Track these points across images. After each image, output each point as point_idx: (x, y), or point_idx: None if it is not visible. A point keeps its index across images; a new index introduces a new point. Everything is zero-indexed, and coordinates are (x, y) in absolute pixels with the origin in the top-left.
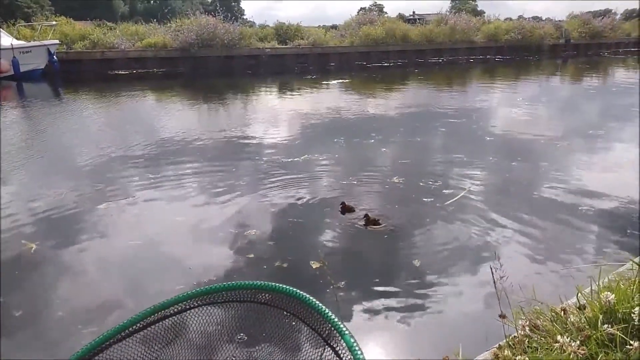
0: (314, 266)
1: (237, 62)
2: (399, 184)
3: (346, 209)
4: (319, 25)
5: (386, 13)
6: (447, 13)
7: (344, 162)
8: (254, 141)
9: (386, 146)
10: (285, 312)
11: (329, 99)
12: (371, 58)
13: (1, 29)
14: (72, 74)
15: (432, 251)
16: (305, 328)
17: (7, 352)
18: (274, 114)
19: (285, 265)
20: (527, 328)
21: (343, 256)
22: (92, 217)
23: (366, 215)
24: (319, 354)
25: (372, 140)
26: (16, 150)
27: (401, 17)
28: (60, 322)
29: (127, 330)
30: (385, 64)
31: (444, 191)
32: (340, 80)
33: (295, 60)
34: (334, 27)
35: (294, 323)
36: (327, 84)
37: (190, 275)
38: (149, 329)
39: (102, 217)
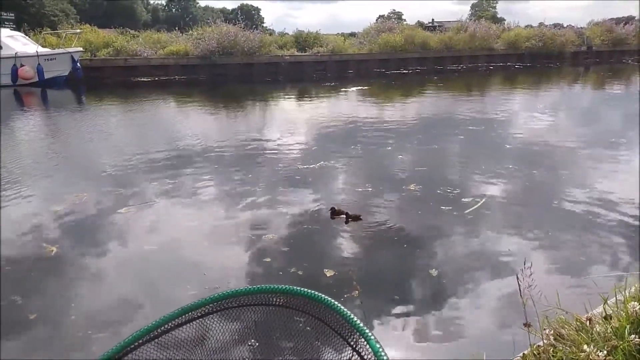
0: (327, 274)
1: (257, 69)
2: (416, 192)
3: (336, 213)
4: (338, 33)
5: (405, 20)
6: (467, 20)
7: (360, 169)
8: (271, 148)
9: (403, 153)
10: (309, 317)
11: (347, 106)
12: (390, 65)
13: (27, 37)
14: (95, 80)
15: (451, 260)
16: (330, 332)
17: (19, 354)
18: (291, 121)
19: (300, 272)
20: (552, 337)
21: (358, 264)
22: (112, 221)
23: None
24: (344, 359)
25: (389, 148)
26: (39, 155)
27: (420, 24)
28: (73, 326)
29: (153, 333)
30: (404, 71)
31: (463, 200)
32: (359, 87)
33: (314, 67)
34: (352, 34)
35: (318, 327)
36: (345, 91)
37: (205, 280)
38: (174, 331)
39: (122, 221)
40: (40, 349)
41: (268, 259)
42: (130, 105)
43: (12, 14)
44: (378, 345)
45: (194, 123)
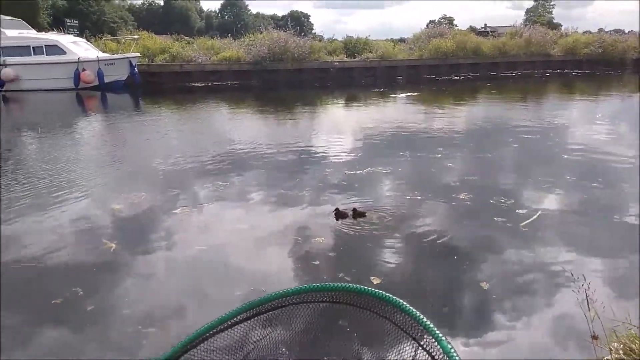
0: (374, 281)
1: (306, 75)
2: (466, 201)
3: (341, 215)
4: (387, 39)
5: (456, 25)
6: (522, 25)
7: (409, 176)
8: (319, 153)
9: (454, 161)
10: (375, 315)
11: (396, 112)
12: (441, 71)
13: (88, 43)
14: (152, 85)
15: (505, 273)
16: (396, 331)
17: (76, 345)
18: (339, 126)
19: (348, 278)
20: (621, 351)
21: (405, 272)
22: (168, 220)
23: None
24: (410, 356)
25: (439, 155)
26: (98, 156)
27: (472, 29)
28: (126, 319)
29: (222, 326)
30: (455, 77)
31: (518, 211)
32: (408, 94)
33: (363, 73)
34: (402, 40)
35: (384, 326)
36: (394, 97)
37: (254, 280)
38: (241, 325)
39: (177, 221)
40: (93, 340)
41: (317, 262)
42: (185, 110)
43: (76, 22)
44: (449, 346)
45: (245, 128)
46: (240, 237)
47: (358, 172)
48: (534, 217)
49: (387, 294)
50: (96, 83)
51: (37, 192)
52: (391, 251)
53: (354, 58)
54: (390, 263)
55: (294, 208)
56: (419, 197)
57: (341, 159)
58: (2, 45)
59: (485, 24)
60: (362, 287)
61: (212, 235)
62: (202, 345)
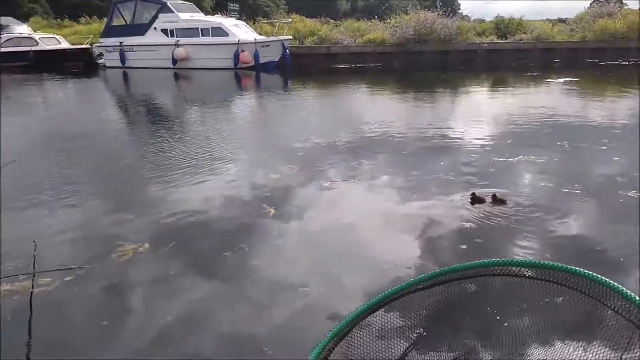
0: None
1: (452, 57)
2: (634, 199)
3: (477, 200)
4: (542, 19)
5: (626, 5)
6: None
7: (566, 168)
8: (459, 138)
9: (621, 155)
10: (590, 298)
11: (550, 98)
12: (606, 55)
13: (247, 25)
14: (301, 67)
15: None
16: (609, 314)
17: (239, 292)
18: (484, 111)
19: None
20: None
21: None
22: (319, 192)
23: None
24: (627, 339)
25: (603, 147)
26: (252, 130)
27: None
28: (283, 278)
29: (422, 284)
30: (624, 63)
31: None
32: (566, 79)
33: (515, 55)
34: (561, 20)
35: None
36: (549, 82)
37: (403, 253)
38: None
39: (326, 193)
40: (257, 290)
41: (464, 246)
42: (329, 90)
43: (237, 5)
44: None
45: (383, 109)
46: (385, 214)
47: (509, 159)
48: None
49: (600, 277)
50: (252, 63)
51: (199, 159)
52: (540, 245)
53: (505, 39)
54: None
55: (428, 193)
56: (579, 191)
57: (487, 145)
58: (177, 27)
59: None
60: (572, 267)
61: (359, 209)
62: (396, 302)
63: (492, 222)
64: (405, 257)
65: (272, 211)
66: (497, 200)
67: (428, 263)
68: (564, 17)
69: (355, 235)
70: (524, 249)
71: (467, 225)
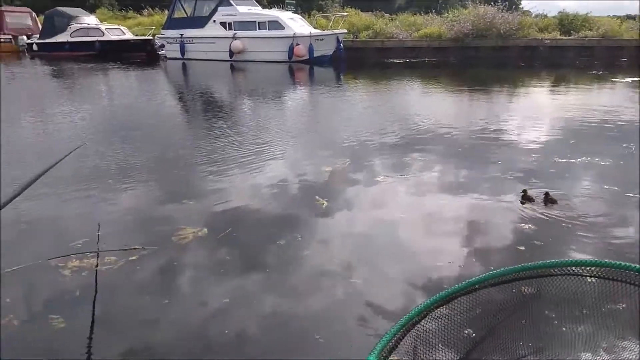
0: None
1: (511, 52)
2: None
3: (526, 198)
4: (610, 15)
5: None
6: None
7: (632, 172)
8: (519, 136)
9: None
10: None
11: (616, 98)
12: None
13: (303, 19)
14: (355, 61)
15: None
16: None
17: (292, 278)
18: (546, 110)
19: None
20: None
21: None
22: (372, 186)
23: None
24: None
25: None
26: (304, 122)
27: None
28: (336, 267)
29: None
30: None
31: None
32: (634, 79)
33: (578, 53)
34: (631, 17)
35: None
36: (614, 81)
37: (455, 251)
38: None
39: (378, 187)
40: (308, 278)
41: (522, 247)
42: (382, 85)
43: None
44: None
45: (434, 105)
46: (438, 211)
47: (571, 160)
48: None
49: None
50: (306, 57)
51: (255, 151)
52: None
53: (569, 36)
54: None
55: (479, 194)
56: None
57: (547, 144)
58: (235, 20)
59: None
60: None
61: (412, 205)
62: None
63: (552, 222)
64: (457, 256)
65: (325, 203)
66: (549, 200)
67: (490, 259)
68: (633, 14)
69: (407, 230)
70: (584, 254)
71: (526, 226)
